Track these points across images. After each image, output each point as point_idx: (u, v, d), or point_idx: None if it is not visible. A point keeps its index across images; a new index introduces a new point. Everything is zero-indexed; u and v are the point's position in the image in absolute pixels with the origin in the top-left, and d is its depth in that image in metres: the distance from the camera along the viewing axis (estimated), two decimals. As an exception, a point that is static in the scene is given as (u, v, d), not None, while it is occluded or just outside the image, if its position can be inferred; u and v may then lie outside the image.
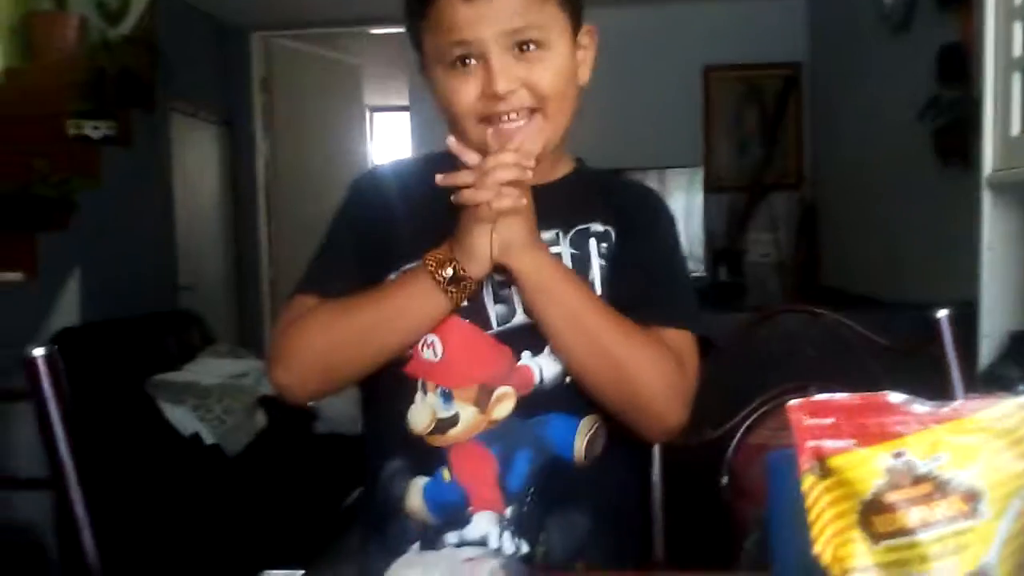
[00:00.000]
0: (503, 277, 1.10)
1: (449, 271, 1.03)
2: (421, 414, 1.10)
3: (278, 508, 3.44)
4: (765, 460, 0.81)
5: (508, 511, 1.08)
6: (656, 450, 1.29)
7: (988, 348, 2.18)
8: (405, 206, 1.16)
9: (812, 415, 0.64)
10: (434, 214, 1.10)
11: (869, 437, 0.62)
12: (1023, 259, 2.15)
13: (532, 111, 1.06)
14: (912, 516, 0.60)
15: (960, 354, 1.34)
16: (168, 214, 4.70)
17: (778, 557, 0.79)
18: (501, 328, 1.10)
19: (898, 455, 0.61)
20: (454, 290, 1.04)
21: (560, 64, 1.08)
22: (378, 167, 1.29)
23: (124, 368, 3.43)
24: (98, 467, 1.20)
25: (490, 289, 1.11)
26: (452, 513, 1.09)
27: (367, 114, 6.77)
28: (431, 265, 1.04)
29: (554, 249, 1.12)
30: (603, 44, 1.14)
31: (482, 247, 1.03)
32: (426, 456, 1.09)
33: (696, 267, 5.23)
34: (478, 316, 1.10)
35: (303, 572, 1.10)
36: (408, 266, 1.10)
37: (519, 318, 1.10)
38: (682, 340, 1.11)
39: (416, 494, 1.09)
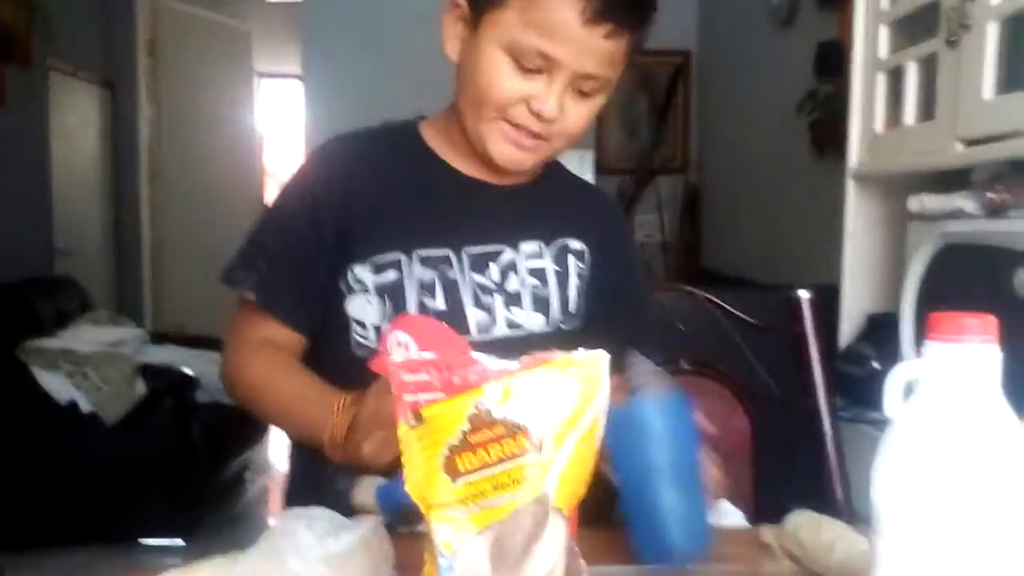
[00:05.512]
0: (485, 281, 1.10)
1: (325, 438, 1.00)
2: None
3: (158, 477, 3.38)
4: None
5: None
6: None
7: (848, 328, 2.32)
8: (372, 188, 1.12)
9: (409, 372, 0.73)
10: (402, 197, 1.10)
11: (454, 389, 0.71)
12: (882, 247, 2.29)
13: (540, 136, 1.06)
14: (488, 454, 0.69)
15: (820, 333, 1.43)
16: (45, 175, 4.53)
17: (623, 489, 0.88)
18: (480, 337, 1.09)
19: (478, 404, 0.70)
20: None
21: (596, 111, 1.08)
22: (339, 140, 1.18)
23: (-5, 334, 3.31)
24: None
25: (471, 293, 1.10)
26: (408, 515, 1.07)
27: (256, 80, 6.63)
28: (331, 418, 0.99)
29: (537, 262, 1.14)
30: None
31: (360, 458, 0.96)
32: None
33: (583, 246, 5.32)
34: (456, 320, 1.07)
35: (183, 540, 1.10)
36: (382, 257, 1.08)
37: (499, 330, 1.11)
38: None
39: (366, 492, 1.04)
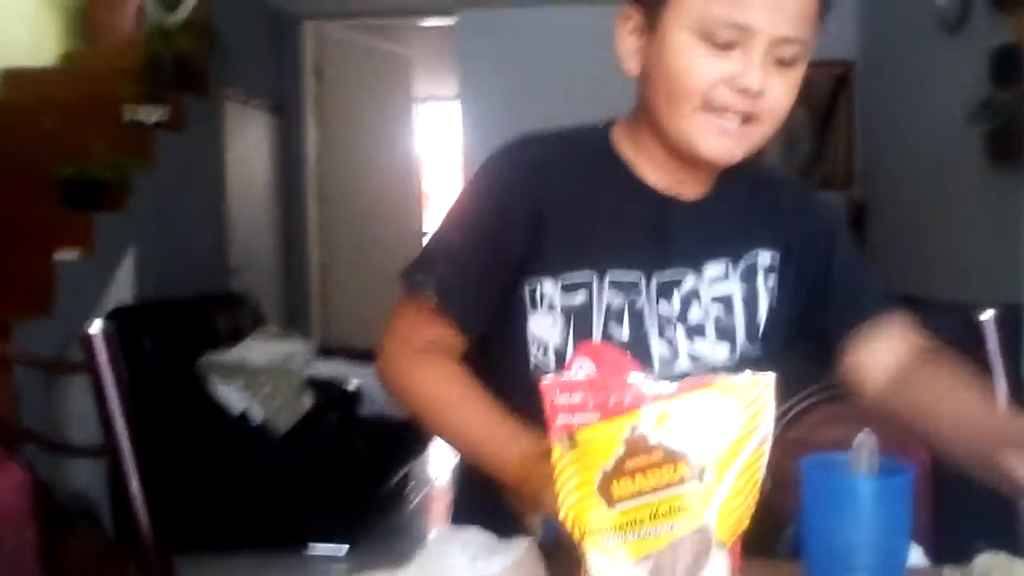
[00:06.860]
0: (668, 311, 1.05)
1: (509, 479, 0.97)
2: None
3: (324, 486, 3.50)
4: (798, 457, 0.83)
5: None
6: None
7: (1033, 352, 2.15)
8: (565, 198, 1.07)
9: (563, 392, 0.70)
10: (595, 212, 1.06)
11: (610, 412, 0.68)
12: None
13: (747, 119, 1.01)
14: (645, 481, 0.67)
15: (1006, 357, 1.34)
16: (220, 197, 4.79)
17: (810, 551, 0.81)
18: (662, 372, 1.05)
19: (634, 427, 0.67)
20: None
21: (797, 85, 1.03)
22: (529, 142, 1.12)
23: (175, 346, 3.51)
24: (150, 442, 1.24)
25: (656, 324, 1.06)
26: (568, 546, 1.03)
27: (414, 105, 6.82)
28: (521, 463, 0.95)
29: (722, 287, 1.09)
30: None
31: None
32: None
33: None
34: (640, 351, 1.03)
35: (348, 547, 1.12)
36: (572, 275, 1.04)
37: (682, 364, 1.06)
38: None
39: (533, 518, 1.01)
